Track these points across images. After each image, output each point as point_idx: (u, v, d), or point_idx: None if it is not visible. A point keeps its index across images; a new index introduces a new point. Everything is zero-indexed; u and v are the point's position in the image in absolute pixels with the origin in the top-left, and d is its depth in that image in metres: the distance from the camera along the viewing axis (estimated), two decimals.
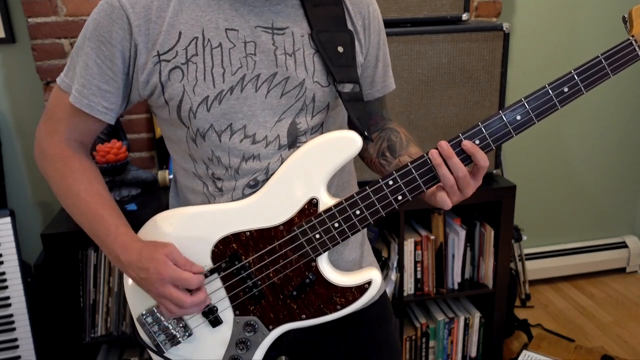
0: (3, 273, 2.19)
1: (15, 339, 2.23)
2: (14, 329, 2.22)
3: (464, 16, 2.28)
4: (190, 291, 1.11)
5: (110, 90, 1.13)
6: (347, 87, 1.17)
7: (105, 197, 1.18)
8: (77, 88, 1.13)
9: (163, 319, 1.19)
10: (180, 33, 1.08)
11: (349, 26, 1.20)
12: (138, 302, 1.20)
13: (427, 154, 1.08)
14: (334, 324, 1.22)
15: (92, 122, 1.17)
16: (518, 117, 1.07)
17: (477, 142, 1.07)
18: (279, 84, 1.12)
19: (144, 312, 1.18)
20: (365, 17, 1.22)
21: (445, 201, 1.10)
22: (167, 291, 1.08)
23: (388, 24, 2.19)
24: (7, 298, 2.20)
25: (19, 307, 2.22)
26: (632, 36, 1.05)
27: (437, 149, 1.08)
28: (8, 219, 2.19)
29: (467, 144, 1.06)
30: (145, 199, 2.37)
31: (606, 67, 1.05)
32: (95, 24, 1.10)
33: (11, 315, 2.21)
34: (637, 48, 1.05)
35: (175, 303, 1.09)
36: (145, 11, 1.07)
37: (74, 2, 2.37)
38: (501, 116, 1.07)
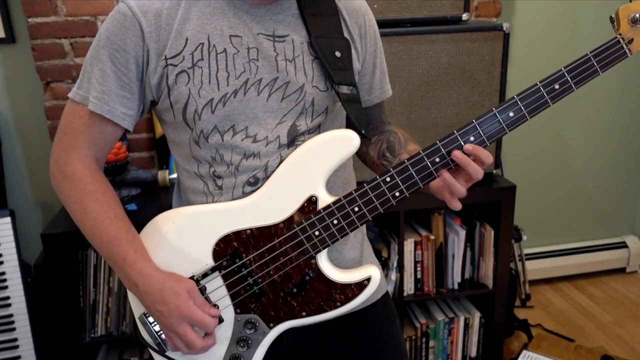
0: (3, 273, 2.20)
1: (15, 339, 2.23)
2: (14, 329, 2.22)
3: (464, 16, 2.28)
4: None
5: (127, 96, 1.15)
6: (345, 89, 1.20)
7: (123, 221, 1.18)
8: (95, 95, 1.14)
9: None
10: (187, 39, 1.12)
11: (346, 35, 1.24)
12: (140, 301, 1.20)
13: (422, 151, 1.11)
14: (336, 323, 1.23)
15: (110, 131, 1.18)
16: (511, 114, 1.10)
17: (472, 139, 1.11)
18: (279, 88, 1.16)
19: (145, 312, 1.18)
20: (361, 27, 1.27)
21: (462, 191, 1.13)
22: (182, 330, 1.10)
23: (388, 24, 2.21)
24: (7, 298, 2.21)
25: (19, 307, 2.22)
26: (620, 34, 1.11)
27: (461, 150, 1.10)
28: (8, 219, 2.19)
29: (468, 146, 1.10)
30: (145, 199, 2.37)
31: (595, 64, 1.10)
32: (108, 32, 1.12)
33: (11, 315, 2.21)
34: (624, 45, 1.10)
35: (186, 343, 1.12)
36: (156, 19, 1.11)
37: (74, 2, 2.38)
38: (495, 113, 1.10)
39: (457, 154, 1.09)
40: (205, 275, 1.16)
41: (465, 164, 1.09)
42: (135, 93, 1.16)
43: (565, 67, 1.10)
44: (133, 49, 1.11)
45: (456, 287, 2.56)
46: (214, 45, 1.12)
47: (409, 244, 2.45)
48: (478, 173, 1.10)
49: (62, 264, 2.17)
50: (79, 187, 1.17)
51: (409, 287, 2.50)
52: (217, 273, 1.16)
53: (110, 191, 1.20)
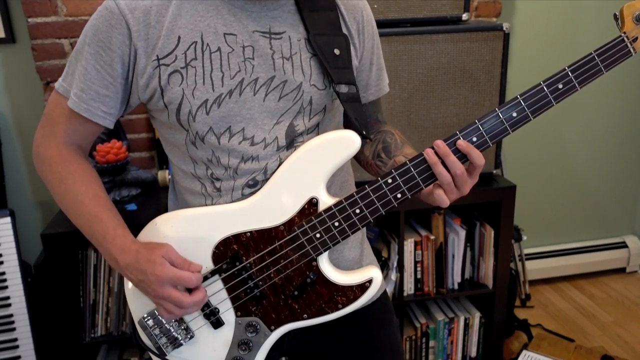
0: (3, 273, 2.19)
1: (15, 339, 2.23)
2: (14, 329, 2.22)
3: (464, 16, 2.28)
4: (189, 290, 1.11)
5: (109, 95, 1.13)
6: (344, 88, 1.18)
7: (103, 199, 1.18)
8: (75, 92, 1.13)
9: (164, 322, 1.19)
10: (179, 37, 1.09)
11: (344, 31, 1.22)
12: (139, 305, 1.20)
13: (424, 153, 1.10)
14: (335, 323, 1.22)
15: (90, 126, 1.18)
16: (514, 114, 1.09)
17: (475, 139, 1.09)
18: (276, 87, 1.13)
19: (145, 315, 1.18)
20: (359, 22, 1.25)
21: (443, 199, 1.12)
22: (166, 292, 1.08)
23: (388, 24, 2.21)
24: (7, 298, 2.20)
25: (19, 307, 2.22)
26: (624, 33, 1.09)
27: (433, 147, 1.09)
28: (8, 219, 2.19)
29: (462, 143, 1.08)
30: (145, 199, 2.37)
31: (599, 63, 1.09)
32: (94, 29, 1.10)
33: (11, 315, 2.21)
34: (629, 44, 1.09)
35: (175, 303, 1.09)
36: (145, 16, 1.08)
37: (74, 2, 2.37)
38: (498, 113, 1.09)
39: (461, 143, 1.07)
40: (205, 278, 1.15)
41: (468, 150, 1.07)
42: (119, 92, 1.14)
43: (569, 67, 1.08)
44: (119, 47, 1.08)
45: (456, 287, 2.56)
46: (208, 44, 1.09)
47: (409, 244, 2.44)
48: (480, 159, 1.08)
49: (62, 264, 2.17)
50: (57, 170, 1.17)
51: (409, 287, 2.50)
52: (217, 276, 1.16)
53: (90, 171, 1.20)
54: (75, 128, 1.18)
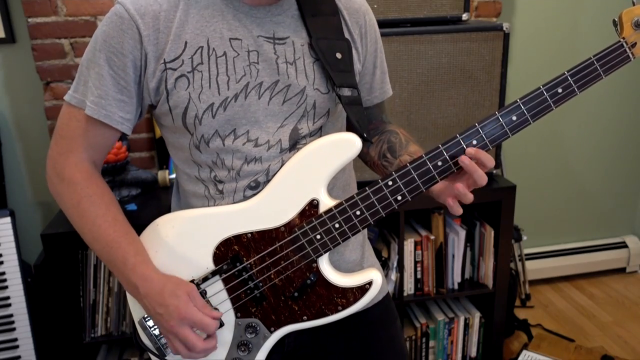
0: (3, 273, 2.19)
1: (15, 339, 2.23)
2: (14, 329, 2.22)
3: (464, 16, 2.28)
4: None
5: (125, 99, 1.14)
6: (346, 92, 1.19)
7: (122, 223, 1.17)
8: (92, 100, 1.12)
9: None
10: (186, 43, 1.10)
11: (347, 35, 1.23)
12: (139, 306, 1.20)
13: (424, 155, 1.11)
14: (336, 325, 1.23)
15: (108, 135, 1.17)
16: (514, 118, 1.10)
17: (475, 142, 1.10)
18: (280, 91, 1.15)
19: (145, 316, 1.18)
20: (362, 26, 1.26)
21: (458, 210, 1.15)
22: (183, 332, 1.09)
23: (388, 24, 2.21)
24: (7, 298, 2.21)
25: (19, 307, 2.22)
26: (623, 38, 1.10)
27: (465, 155, 1.09)
28: (8, 219, 2.19)
29: (470, 150, 1.09)
30: (145, 199, 2.37)
31: (598, 68, 1.09)
32: (105, 35, 1.11)
33: (11, 315, 2.21)
34: (627, 49, 1.09)
35: (187, 346, 1.11)
36: (154, 21, 1.09)
37: (74, 2, 2.37)
38: (497, 117, 1.09)
39: (464, 160, 1.08)
40: (205, 279, 1.15)
41: (472, 170, 1.08)
42: (133, 97, 1.14)
43: (568, 71, 1.09)
44: (131, 52, 1.09)
45: (456, 287, 2.56)
46: (214, 49, 1.11)
47: (409, 244, 2.45)
48: (482, 179, 1.09)
49: (62, 264, 2.17)
50: (76, 191, 1.16)
51: (409, 287, 2.50)
52: (217, 277, 1.16)
53: (108, 193, 1.19)
54: (92, 139, 1.17)
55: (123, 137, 2.47)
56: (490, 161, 1.09)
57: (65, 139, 1.17)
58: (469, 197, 1.11)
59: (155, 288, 1.11)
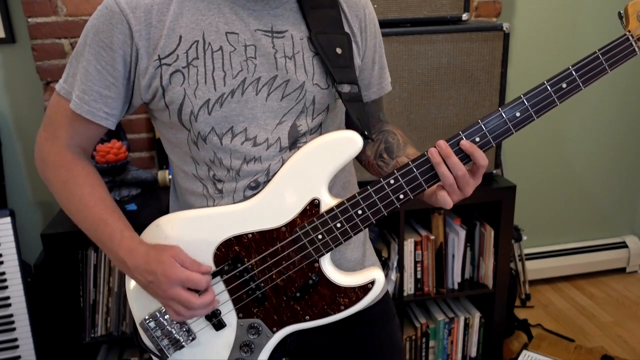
0: (3, 273, 2.19)
1: (15, 339, 2.23)
2: (14, 329, 2.22)
3: (464, 16, 2.28)
4: (198, 292, 1.10)
5: (111, 95, 1.12)
6: (346, 88, 1.17)
7: (108, 202, 1.17)
8: (77, 94, 1.12)
9: (166, 324, 1.18)
10: (180, 37, 1.08)
11: (346, 29, 1.21)
12: (141, 306, 1.20)
13: (427, 152, 1.09)
14: (337, 324, 1.22)
15: (93, 128, 1.17)
16: (517, 114, 1.08)
17: (477, 139, 1.08)
18: (279, 86, 1.12)
19: (146, 317, 1.17)
20: (361, 20, 1.23)
21: (446, 200, 1.11)
22: (176, 293, 1.08)
23: (388, 24, 2.21)
24: (7, 298, 2.20)
25: (19, 307, 2.22)
26: (629, 31, 1.07)
27: (436, 147, 1.08)
28: (8, 219, 2.18)
29: (465, 143, 1.07)
30: (145, 199, 2.37)
31: (603, 62, 1.07)
32: (95, 29, 1.09)
33: (11, 315, 2.21)
34: (633, 43, 1.07)
35: (184, 305, 1.09)
36: (146, 15, 1.07)
37: (74, 2, 2.37)
38: (500, 113, 1.08)
39: (464, 143, 1.07)
40: (211, 276, 1.14)
41: (471, 151, 1.07)
42: (121, 92, 1.13)
43: (573, 66, 1.07)
44: (120, 47, 1.07)
45: (456, 287, 2.56)
46: (210, 43, 1.08)
47: (409, 244, 2.44)
48: (484, 159, 1.07)
49: (62, 264, 2.16)
50: (61, 173, 1.17)
51: (409, 287, 2.50)
52: (218, 278, 1.15)
53: (94, 174, 1.19)
54: (78, 130, 1.17)
55: (123, 137, 2.47)
56: (483, 159, 1.07)
57: (52, 126, 1.18)
58: (448, 178, 1.08)
59: (140, 259, 1.11)
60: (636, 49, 1.07)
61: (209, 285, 1.11)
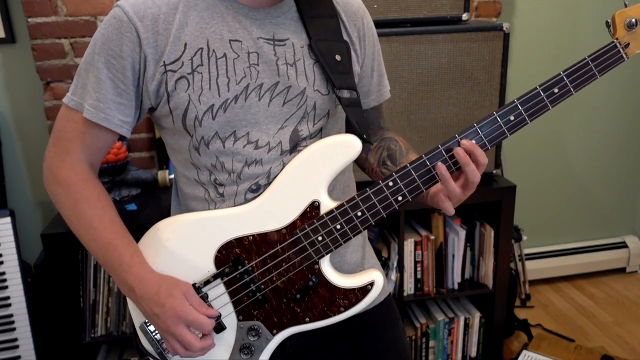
0: (3, 273, 2.19)
1: (15, 339, 2.23)
2: (14, 329, 2.22)
3: (464, 16, 2.28)
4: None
5: (124, 102, 1.13)
6: (346, 94, 1.20)
7: (118, 225, 1.17)
8: (91, 103, 1.12)
9: None
10: (185, 44, 1.10)
11: (345, 37, 1.23)
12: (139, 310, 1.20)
13: (424, 155, 1.11)
14: (339, 327, 1.23)
15: (106, 138, 1.17)
16: (512, 118, 1.11)
17: (473, 142, 1.11)
18: (280, 92, 1.15)
19: (146, 321, 1.17)
20: (360, 29, 1.26)
21: (449, 209, 1.14)
22: (179, 332, 1.09)
23: (388, 24, 2.21)
24: (7, 298, 2.21)
25: (19, 307, 2.22)
26: (617, 39, 1.13)
27: (461, 146, 1.10)
28: (8, 219, 2.19)
29: (466, 142, 1.10)
30: (145, 199, 2.37)
31: (593, 68, 1.12)
32: (104, 38, 1.11)
33: (11, 315, 2.21)
34: (621, 50, 1.12)
35: (184, 344, 1.10)
36: (153, 24, 1.09)
37: (74, 2, 2.37)
38: (495, 117, 1.11)
39: (459, 151, 1.09)
40: (207, 282, 1.15)
41: (464, 163, 1.09)
42: (132, 99, 1.14)
43: (564, 71, 1.11)
44: (129, 55, 1.09)
45: (456, 287, 2.56)
46: (214, 50, 1.11)
47: (409, 244, 2.45)
48: (475, 176, 1.09)
49: (62, 264, 2.17)
50: (72, 192, 1.16)
51: (409, 287, 2.50)
52: (219, 280, 1.16)
53: (104, 195, 1.19)
54: (90, 142, 1.17)
55: (122, 137, 2.47)
56: (483, 157, 1.10)
57: (62, 140, 1.17)
58: (453, 186, 1.10)
59: (151, 289, 1.11)
60: (624, 55, 1.12)
61: (212, 329, 1.13)
